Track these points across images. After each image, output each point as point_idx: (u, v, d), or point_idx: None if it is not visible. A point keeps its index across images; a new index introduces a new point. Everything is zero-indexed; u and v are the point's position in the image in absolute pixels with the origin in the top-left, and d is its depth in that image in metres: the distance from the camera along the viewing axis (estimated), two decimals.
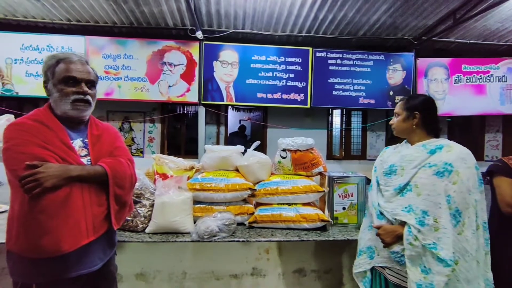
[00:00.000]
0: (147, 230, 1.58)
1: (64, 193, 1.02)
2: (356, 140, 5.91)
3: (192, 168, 1.86)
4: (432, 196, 1.18)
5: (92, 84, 1.18)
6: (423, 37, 5.01)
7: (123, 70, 4.81)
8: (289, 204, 1.75)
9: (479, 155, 5.90)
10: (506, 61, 5.37)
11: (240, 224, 1.76)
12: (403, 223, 1.22)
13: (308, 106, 5.11)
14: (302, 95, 5.09)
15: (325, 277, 1.96)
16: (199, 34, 4.67)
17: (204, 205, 1.74)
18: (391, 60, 5.20)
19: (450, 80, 5.32)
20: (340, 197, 1.68)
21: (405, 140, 1.42)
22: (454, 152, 1.22)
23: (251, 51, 5.02)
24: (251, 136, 7.34)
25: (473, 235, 1.17)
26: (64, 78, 1.11)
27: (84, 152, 1.14)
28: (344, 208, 1.69)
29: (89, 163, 1.13)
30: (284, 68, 5.07)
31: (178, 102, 5.22)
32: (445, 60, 5.35)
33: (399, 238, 1.21)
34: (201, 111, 5.03)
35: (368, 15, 4.49)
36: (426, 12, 4.43)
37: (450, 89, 5.32)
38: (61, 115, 1.12)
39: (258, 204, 1.87)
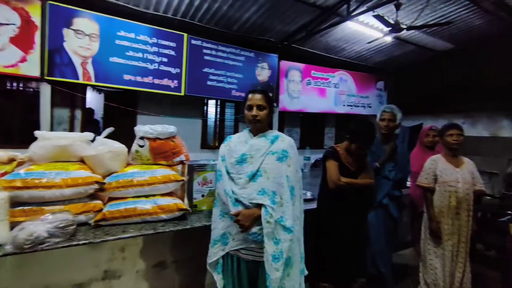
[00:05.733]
0: None
1: None
2: (229, 131, 6.26)
3: (12, 160, 1.44)
4: (277, 178, 1.39)
5: None
6: (285, 42, 5.79)
7: None
8: (146, 196, 1.63)
9: (320, 144, 7.47)
10: (339, 72, 6.97)
11: (86, 224, 1.51)
12: (258, 206, 1.36)
13: (182, 93, 4.98)
14: (176, 81, 4.89)
15: (187, 266, 1.97)
16: None
17: (29, 207, 1.38)
18: (260, 58, 5.75)
19: (303, 82, 6.42)
20: (199, 184, 1.71)
21: (246, 130, 1.57)
22: (286, 141, 1.49)
23: (117, 25, 4.38)
24: (108, 123, 6.30)
25: (299, 203, 1.48)
26: None
27: None
28: (203, 195, 1.74)
29: None
30: (157, 50, 4.71)
31: (6, 74, 3.93)
32: (300, 65, 6.40)
33: (256, 220, 1.35)
34: (45, 89, 4.01)
35: (241, 12, 4.76)
36: (287, 21, 5.12)
37: (303, 90, 6.43)
38: None
39: (111, 199, 1.66)
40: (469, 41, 6.21)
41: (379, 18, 4.13)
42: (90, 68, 4.22)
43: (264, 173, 1.40)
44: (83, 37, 4.15)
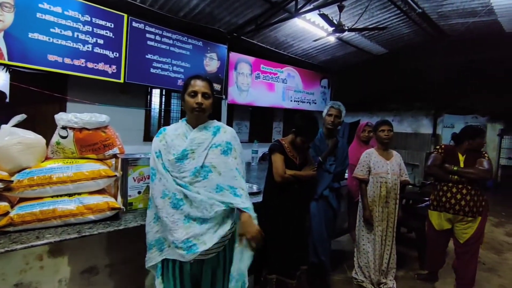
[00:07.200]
0: None
1: None
2: (175, 122, 5.94)
3: None
4: (228, 172, 1.31)
5: None
6: (234, 34, 5.68)
7: None
8: (69, 195, 1.42)
9: (268, 138, 7.60)
10: (287, 68, 7.15)
11: None
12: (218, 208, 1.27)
13: (122, 80, 4.53)
14: (114, 67, 4.42)
15: (123, 268, 1.79)
16: None
17: None
18: (208, 48, 5.54)
19: (253, 76, 6.42)
20: (135, 180, 1.56)
21: (183, 120, 1.44)
22: (228, 132, 1.41)
23: None
24: (26, 110, 5.43)
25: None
26: None
27: None
28: (139, 192, 1.58)
29: None
30: (90, 30, 4.17)
31: None
32: (250, 58, 6.37)
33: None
34: None
35: None
36: (236, 12, 5.02)
37: (252, 83, 6.42)
38: None
39: (22, 200, 1.40)
40: (399, 48, 6.94)
41: (324, 17, 4.32)
42: (1, 43, 3.54)
43: (213, 168, 1.31)
44: None
